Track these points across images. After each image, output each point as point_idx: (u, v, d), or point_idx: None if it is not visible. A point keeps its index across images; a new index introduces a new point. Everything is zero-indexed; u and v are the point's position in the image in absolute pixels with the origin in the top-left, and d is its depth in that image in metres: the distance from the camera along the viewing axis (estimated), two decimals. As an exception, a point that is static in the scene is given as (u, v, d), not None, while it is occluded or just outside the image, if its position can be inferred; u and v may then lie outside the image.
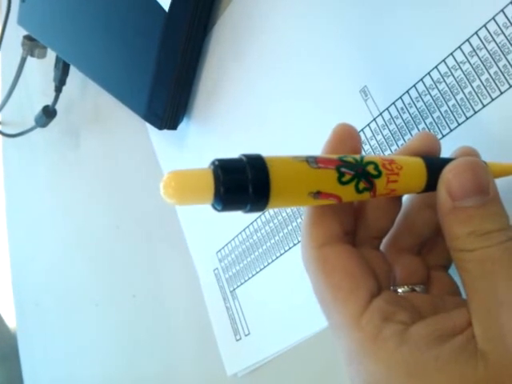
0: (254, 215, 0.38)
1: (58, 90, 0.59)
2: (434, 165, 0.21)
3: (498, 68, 0.25)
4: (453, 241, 0.19)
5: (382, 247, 0.23)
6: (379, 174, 0.19)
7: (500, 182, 0.20)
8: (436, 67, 0.27)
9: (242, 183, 0.17)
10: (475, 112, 0.26)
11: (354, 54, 0.31)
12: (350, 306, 0.20)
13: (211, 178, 0.17)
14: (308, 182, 0.18)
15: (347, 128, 0.22)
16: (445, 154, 0.23)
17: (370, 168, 0.19)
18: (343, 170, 0.19)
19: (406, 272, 0.23)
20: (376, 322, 0.19)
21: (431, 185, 0.21)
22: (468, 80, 0.26)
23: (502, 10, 0.24)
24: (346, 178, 0.19)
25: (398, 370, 0.18)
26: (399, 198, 0.23)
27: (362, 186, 0.19)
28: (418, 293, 0.22)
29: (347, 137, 0.22)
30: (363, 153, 0.31)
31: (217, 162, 0.17)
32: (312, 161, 0.18)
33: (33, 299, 0.78)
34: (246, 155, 0.18)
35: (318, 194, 0.19)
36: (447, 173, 0.20)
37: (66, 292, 0.69)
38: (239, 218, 0.39)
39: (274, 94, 0.36)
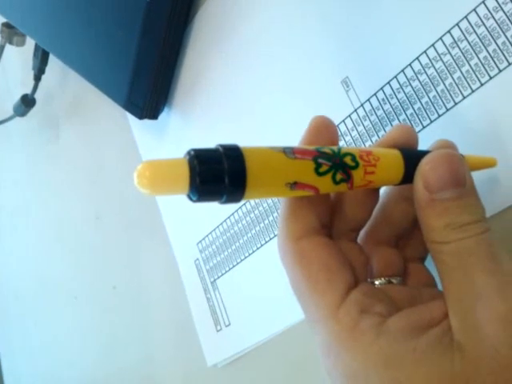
0: (235, 206, 0.38)
1: (37, 78, 0.58)
2: (411, 157, 0.21)
3: (479, 59, 0.25)
4: (429, 233, 0.19)
5: (359, 239, 0.23)
6: (356, 165, 0.19)
7: (476, 175, 0.20)
8: (417, 58, 0.27)
9: (217, 173, 0.17)
10: (456, 103, 0.26)
11: (336, 45, 0.31)
12: (327, 298, 0.20)
13: (186, 168, 0.16)
14: (285, 173, 0.18)
15: (324, 120, 0.22)
16: (426, 144, 0.23)
17: (348, 159, 0.19)
18: (320, 160, 0.19)
19: (382, 264, 0.22)
20: (353, 315, 0.19)
21: (408, 177, 0.21)
22: (449, 71, 0.26)
23: (483, 2, 0.24)
24: (323, 168, 0.19)
25: (376, 361, 0.18)
26: (377, 191, 0.23)
27: (339, 177, 0.19)
28: (395, 285, 0.22)
29: (324, 129, 0.22)
30: (344, 144, 0.31)
31: (192, 152, 0.17)
32: (289, 151, 0.18)
33: (12, 292, 0.77)
34: (222, 145, 0.17)
35: (294, 185, 0.18)
36: (424, 165, 0.20)
37: (45, 284, 0.68)
38: (220, 209, 0.39)
39: (256, 84, 0.36)
